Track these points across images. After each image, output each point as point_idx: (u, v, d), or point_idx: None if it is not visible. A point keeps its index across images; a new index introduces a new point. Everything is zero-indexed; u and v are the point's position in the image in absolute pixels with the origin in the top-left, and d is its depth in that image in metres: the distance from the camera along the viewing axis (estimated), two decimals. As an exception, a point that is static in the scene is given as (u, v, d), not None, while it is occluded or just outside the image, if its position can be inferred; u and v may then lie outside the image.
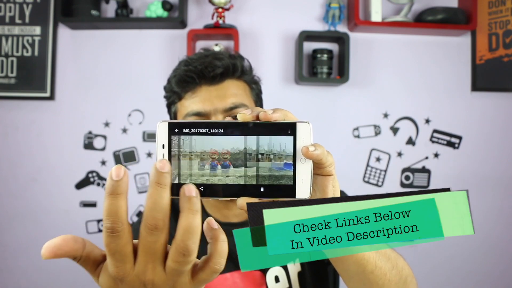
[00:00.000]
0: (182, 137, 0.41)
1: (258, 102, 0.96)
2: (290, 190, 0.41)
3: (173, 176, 0.41)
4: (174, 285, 0.37)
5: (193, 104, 0.85)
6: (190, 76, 0.86)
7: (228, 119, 0.41)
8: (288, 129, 0.40)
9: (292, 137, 0.40)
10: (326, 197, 0.43)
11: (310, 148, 0.39)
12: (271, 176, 0.41)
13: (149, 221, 0.34)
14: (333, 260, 0.55)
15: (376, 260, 0.54)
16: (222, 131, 0.40)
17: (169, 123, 0.41)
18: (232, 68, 0.87)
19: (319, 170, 0.42)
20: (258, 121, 0.41)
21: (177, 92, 0.88)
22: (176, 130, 0.41)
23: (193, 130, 0.40)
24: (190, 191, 0.34)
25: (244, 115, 0.40)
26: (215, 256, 0.37)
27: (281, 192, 0.41)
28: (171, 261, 0.35)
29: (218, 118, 0.84)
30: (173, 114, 0.92)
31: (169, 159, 0.41)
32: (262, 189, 0.41)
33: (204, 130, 0.40)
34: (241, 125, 0.40)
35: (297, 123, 0.41)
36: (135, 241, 0.37)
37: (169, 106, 0.93)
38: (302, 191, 0.41)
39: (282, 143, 0.40)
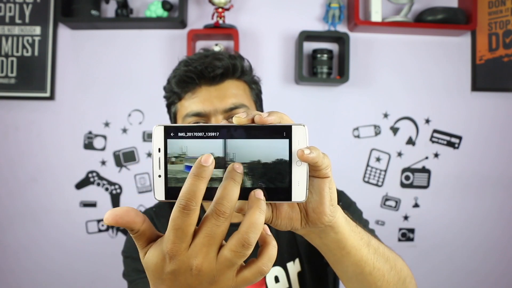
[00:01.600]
0: (178, 140, 0.41)
1: (258, 102, 0.96)
2: (286, 193, 0.41)
3: (173, 179, 0.41)
4: (218, 277, 0.38)
5: (193, 104, 0.85)
6: (190, 76, 0.85)
7: (224, 123, 0.41)
8: (284, 132, 0.40)
9: (287, 140, 0.40)
10: (323, 199, 0.43)
11: (306, 151, 0.39)
12: (267, 179, 0.41)
13: (219, 207, 0.37)
14: (331, 261, 0.54)
15: (374, 261, 0.54)
16: (218, 134, 0.40)
17: (165, 127, 0.41)
18: (232, 68, 0.87)
19: (315, 172, 0.42)
20: (253, 124, 0.40)
21: (177, 92, 0.88)
22: (172, 134, 0.41)
23: (189, 134, 0.40)
24: (259, 194, 0.39)
25: (239, 119, 0.40)
26: (264, 258, 0.39)
27: (277, 195, 0.41)
28: (229, 250, 0.37)
29: (218, 118, 0.84)
30: (173, 115, 0.92)
31: (165, 163, 0.41)
32: None
33: (200, 134, 0.40)
34: (236, 129, 0.40)
35: (292, 126, 0.40)
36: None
37: (169, 106, 0.93)
38: (298, 194, 0.41)
39: (277, 146, 0.40)
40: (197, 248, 0.37)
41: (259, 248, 0.40)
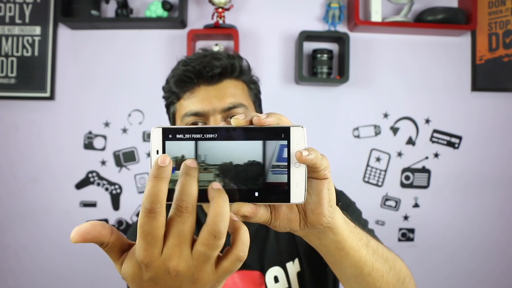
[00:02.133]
0: (176, 142, 0.41)
1: (257, 102, 0.96)
2: (284, 194, 0.41)
3: (171, 181, 0.41)
4: (198, 274, 0.37)
5: (191, 104, 0.85)
6: (188, 76, 0.86)
7: (222, 124, 0.41)
8: (282, 133, 0.40)
9: (286, 142, 0.40)
10: (322, 200, 0.43)
11: (304, 152, 0.39)
12: (265, 181, 0.41)
13: (180, 204, 0.36)
14: (330, 262, 0.54)
15: (373, 262, 0.54)
16: (216, 136, 0.40)
17: (163, 129, 0.41)
18: (231, 68, 0.87)
19: (314, 173, 0.42)
20: (251, 126, 0.40)
21: (175, 92, 0.88)
22: (170, 136, 0.40)
23: (187, 136, 0.40)
24: (217, 185, 0.38)
25: (237, 120, 0.40)
26: (239, 244, 0.38)
27: (276, 196, 0.41)
28: (201, 244, 0.36)
29: (217, 118, 0.84)
30: (172, 115, 0.92)
31: None
32: (256, 194, 0.40)
33: (198, 135, 0.40)
34: (235, 130, 0.40)
35: (290, 128, 0.40)
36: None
37: (168, 106, 0.94)
38: (297, 195, 0.40)
39: (276, 147, 0.40)
40: (169, 250, 0.37)
41: (231, 236, 0.40)
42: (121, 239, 0.39)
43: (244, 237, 0.39)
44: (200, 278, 0.38)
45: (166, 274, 0.37)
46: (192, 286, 0.38)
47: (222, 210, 0.36)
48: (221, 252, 0.39)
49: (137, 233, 0.37)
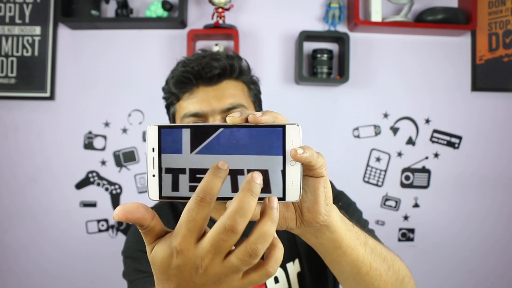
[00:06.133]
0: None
1: (257, 102, 0.96)
2: (280, 192, 0.41)
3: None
4: (224, 279, 0.38)
5: (190, 105, 0.85)
6: (187, 77, 0.85)
7: (218, 122, 0.42)
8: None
9: (281, 140, 0.40)
10: (318, 198, 0.43)
11: (299, 151, 0.39)
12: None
13: (231, 223, 0.35)
14: (328, 261, 0.54)
15: (371, 261, 0.54)
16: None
17: (159, 127, 0.41)
18: (230, 68, 0.87)
19: (310, 172, 0.42)
20: (247, 124, 0.40)
21: (175, 93, 0.88)
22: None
23: None
24: (273, 202, 0.37)
25: (233, 118, 0.40)
26: (271, 261, 0.38)
27: (272, 194, 0.41)
28: (236, 258, 0.36)
29: (216, 118, 0.84)
30: (171, 115, 0.92)
31: (159, 162, 0.41)
32: None
33: None
34: (230, 128, 0.40)
35: (286, 126, 0.40)
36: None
37: (168, 107, 0.94)
38: (292, 193, 0.41)
39: (271, 145, 0.40)
40: (203, 252, 0.36)
41: (266, 250, 0.39)
42: (160, 225, 0.40)
43: (278, 255, 0.39)
44: (224, 282, 0.38)
45: (194, 269, 0.37)
46: (214, 286, 0.38)
47: (267, 233, 0.36)
48: None
49: (180, 219, 0.37)
